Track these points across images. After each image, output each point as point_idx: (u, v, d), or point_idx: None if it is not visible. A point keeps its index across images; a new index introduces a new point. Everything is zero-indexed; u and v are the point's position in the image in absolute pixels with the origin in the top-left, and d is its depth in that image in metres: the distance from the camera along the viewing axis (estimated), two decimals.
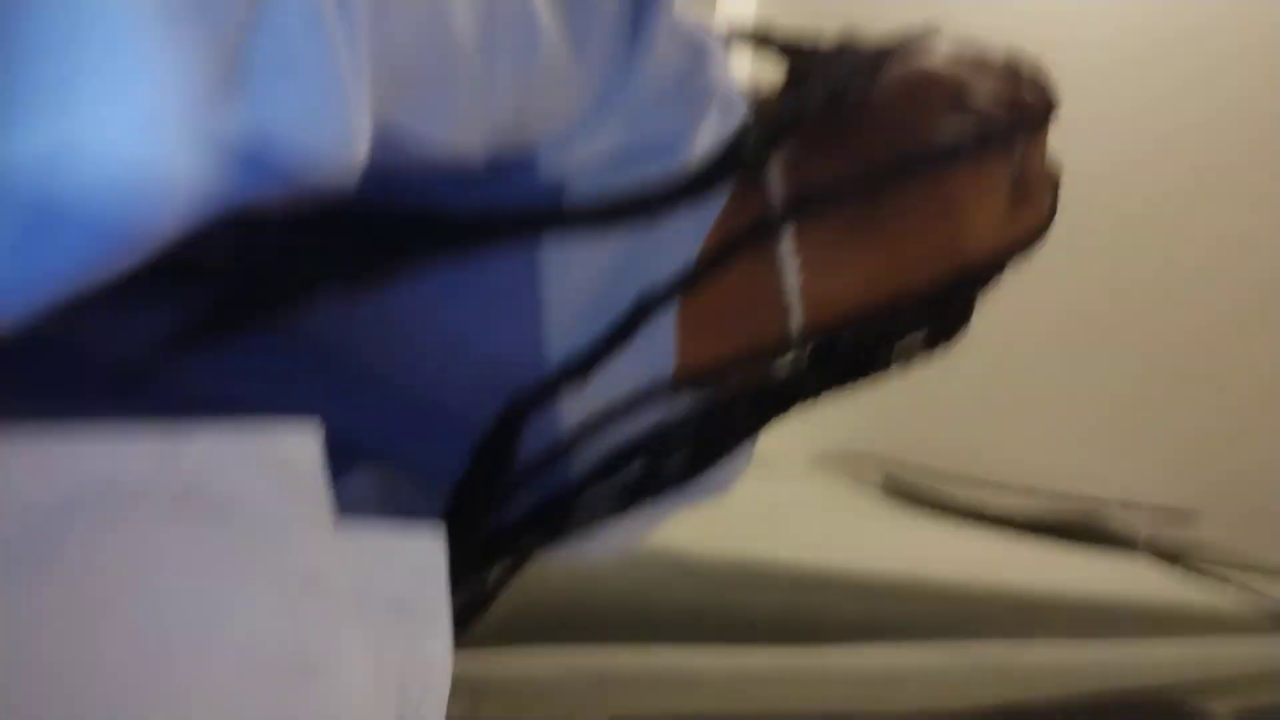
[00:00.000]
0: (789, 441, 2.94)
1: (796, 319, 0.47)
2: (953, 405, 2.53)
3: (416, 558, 0.38)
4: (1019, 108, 0.48)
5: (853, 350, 0.50)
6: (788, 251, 0.45)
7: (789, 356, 0.50)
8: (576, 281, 0.42)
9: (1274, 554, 1.71)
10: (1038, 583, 1.29)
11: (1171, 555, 1.74)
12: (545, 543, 0.50)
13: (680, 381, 0.46)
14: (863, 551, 1.52)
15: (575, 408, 0.45)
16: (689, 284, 0.43)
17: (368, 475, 0.48)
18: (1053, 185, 0.54)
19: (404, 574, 0.37)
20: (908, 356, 0.54)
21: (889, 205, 0.45)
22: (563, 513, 0.47)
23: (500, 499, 0.46)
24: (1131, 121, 2.14)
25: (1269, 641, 1.34)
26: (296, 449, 0.33)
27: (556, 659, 0.80)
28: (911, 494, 2.30)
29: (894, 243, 0.46)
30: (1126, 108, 2.15)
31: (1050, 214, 0.53)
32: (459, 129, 0.32)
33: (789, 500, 2.11)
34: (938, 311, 0.50)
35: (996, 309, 2.38)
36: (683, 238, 0.44)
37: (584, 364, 0.42)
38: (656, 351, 0.45)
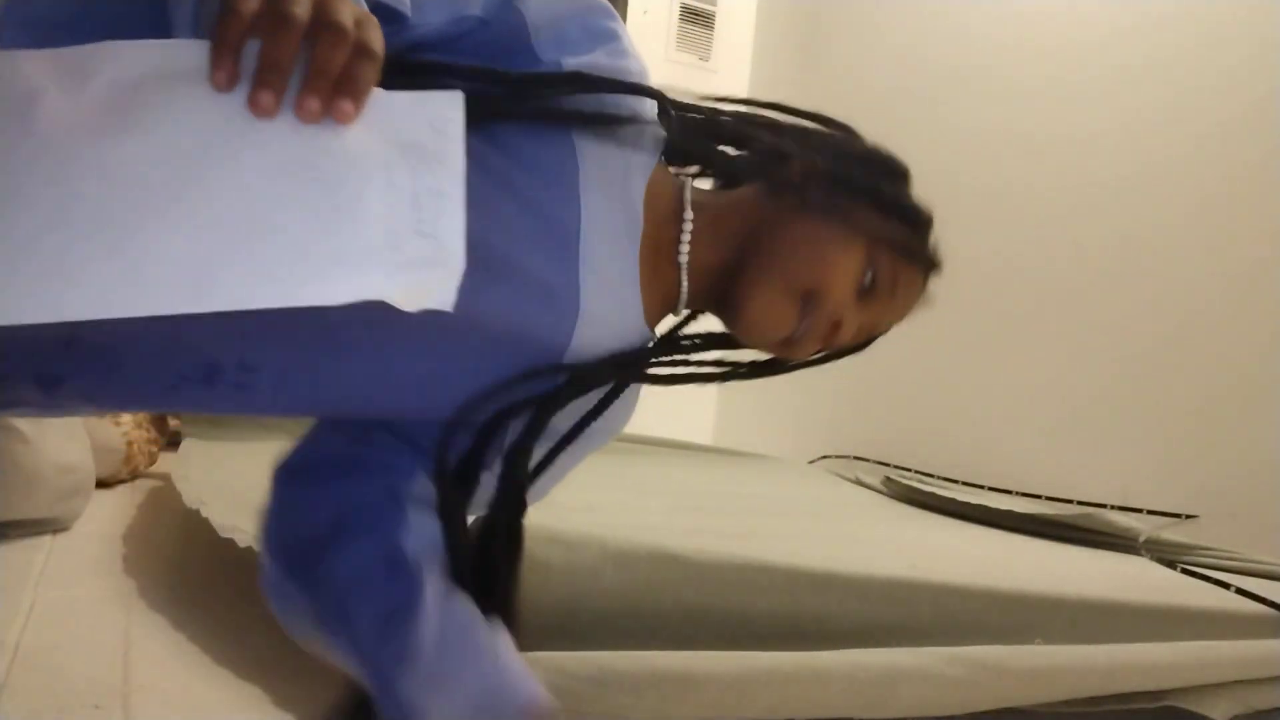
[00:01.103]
0: (794, 446, 2.96)
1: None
2: (954, 411, 2.53)
3: (435, 112, 0.46)
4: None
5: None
6: (684, 252, 0.66)
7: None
8: (596, 159, 0.61)
9: (1271, 556, 1.72)
10: (1037, 584, 1.29)
11: (1170, 557, 1.74)
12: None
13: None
14: (863, 551, 1.52)
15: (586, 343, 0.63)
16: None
17: None
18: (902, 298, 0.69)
19: (421, 125, 0.45)
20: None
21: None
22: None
23: None
24: (1131, 130, 2.14)
25: (1266, 644, 1.33)
26: None
27: (556, 663, 0.80)
28: (911, 497, 2.31)
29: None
30: (1127, 112, 2.16)
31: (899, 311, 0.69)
32: None
33: (795, 501, 2.12)
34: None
35: (998, 316, 2.38)
36: (646, 157, 0.65)
37: None
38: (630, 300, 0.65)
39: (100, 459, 1.81)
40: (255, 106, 0.41)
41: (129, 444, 1.97)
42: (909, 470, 2.49)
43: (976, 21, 2.55)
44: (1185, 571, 1.61)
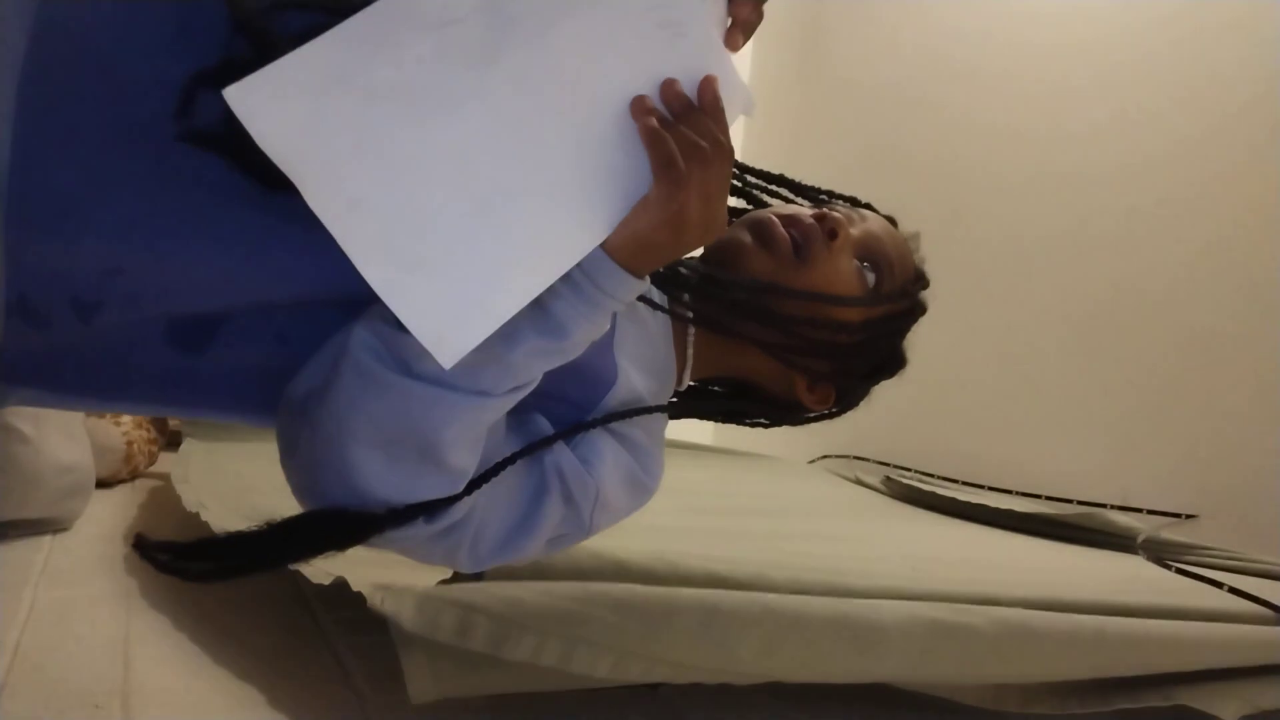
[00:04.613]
0: (794, 446, 2.95)
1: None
2: (954, 411, 2.53)
3: None
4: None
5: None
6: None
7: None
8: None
9: (1271, 556, 1.72)
10: (1036, 587, 1.28)
11: (1169, 557, 1.74)
12: None
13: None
14: (864, 551, 1.52)
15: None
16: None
17: None
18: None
19: None
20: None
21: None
22: None
23: None
24: (1131, 128, 2.14)
25: (1266, 630, 1.33)
26: None
27: (540, 589, 0.85)
28: (911, 496, 2.31)
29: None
30: (1126, 111, 2.16)
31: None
32: None
33: (795, 501, 2.11)
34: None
35: (998, 316, 2.38)
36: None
37: None
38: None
39: (100, 459, 1.81)
40: None
41: (129, 444, 1.97)
42: (909, 470, 2.49)
43: (976, 18, 2.55)
44: (1180, 572, 1.60)
